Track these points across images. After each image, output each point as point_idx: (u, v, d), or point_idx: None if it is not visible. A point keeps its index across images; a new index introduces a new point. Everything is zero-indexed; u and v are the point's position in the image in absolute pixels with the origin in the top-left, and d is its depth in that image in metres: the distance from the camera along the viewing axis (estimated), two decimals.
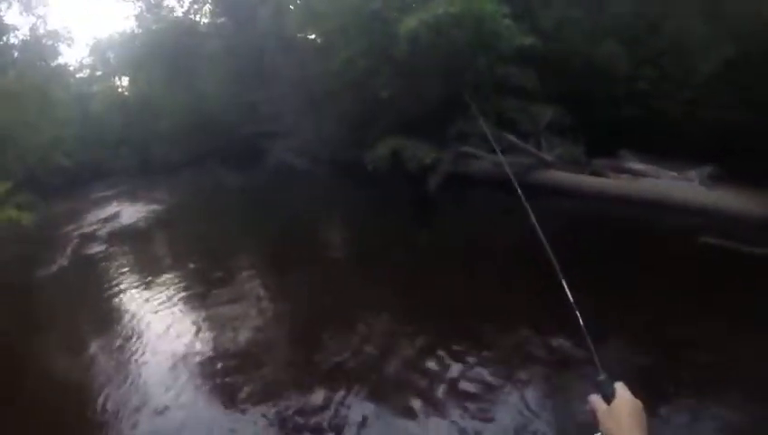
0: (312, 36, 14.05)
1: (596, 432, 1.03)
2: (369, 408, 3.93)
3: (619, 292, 5.31)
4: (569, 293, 1.22)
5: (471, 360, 4.40)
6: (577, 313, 1.19)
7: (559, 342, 4.44)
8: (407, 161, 10.11)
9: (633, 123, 10.56)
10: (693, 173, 9.33)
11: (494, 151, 10.25)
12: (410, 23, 9.50)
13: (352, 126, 11.90)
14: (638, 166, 9.92)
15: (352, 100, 11.67)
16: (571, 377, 4.07)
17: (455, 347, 4.58)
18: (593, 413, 1.04)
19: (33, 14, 22.09)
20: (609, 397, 1.04)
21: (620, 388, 1.05)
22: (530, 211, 1.36)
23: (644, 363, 4.17)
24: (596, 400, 1.05)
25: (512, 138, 9.66)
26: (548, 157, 9.72)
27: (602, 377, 1.08)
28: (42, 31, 22.49)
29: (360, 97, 11.34)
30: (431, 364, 4.39)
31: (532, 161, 9.80)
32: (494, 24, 9.72)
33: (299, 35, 14.40)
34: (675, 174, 9.54)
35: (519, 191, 1.40)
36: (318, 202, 11.94)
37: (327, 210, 11.42)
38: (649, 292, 5.30)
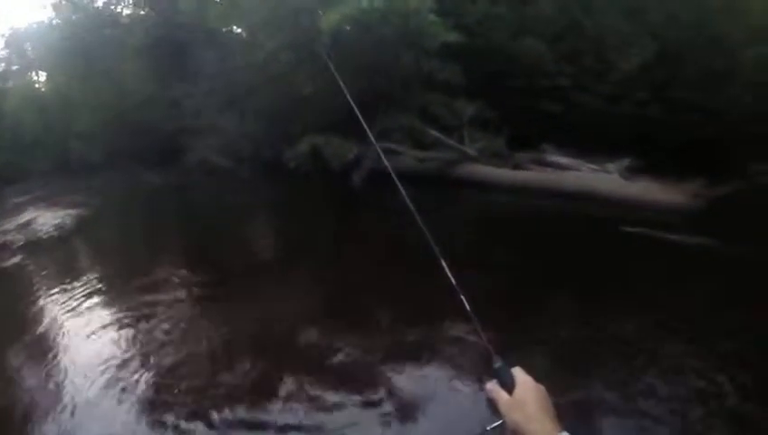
0: (236, 30, 13.37)
1: (496, 422, 0.94)
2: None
3: (533, 282, 5.36)
4: (450, 276, 1.10)
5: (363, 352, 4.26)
6: (462, 297, 1.08)
7: (452, 330, 4.32)
8: (329, 158, 9.74)
9: (554, 118, 10.81)
10: (612, 166, 9.61)
11: (418, 147, 10.28)
12: (333, 17, 9.15)
13: (275, 123, 11.37)
14: (559, 159, 10.09)
15: (275, 96, 11.14)
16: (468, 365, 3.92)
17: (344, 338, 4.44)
18: (494, 403, 0.94)
19: None
20: (508, 385, 0.94)
21: (520, 373, 0.96)
22: (412, 208, 1.22)
23: (548, 350, 4.10)
24: (495, 389, 0.95)
25: (434, 132, 9.50)
26: (471, 151, 9.61)
27: (498, 364, 0.98)
28: None
29: (283, 93, 10.85)
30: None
31: (455, 156, 9.67)
32: (419, 20, 9.50)
33: (222, 29, 13.68)
34: (595, 167, 9.77)
35: (399, 186, 1.30)
36: (240, 201, 11.33)
37: (249, 209, 10.86)
38: (568, 280, 5.34)
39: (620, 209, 8.02)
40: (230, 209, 10.84)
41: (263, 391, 3.88)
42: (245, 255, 7.98)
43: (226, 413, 3.66)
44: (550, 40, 11.40)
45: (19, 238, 10.50)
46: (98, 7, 19.67)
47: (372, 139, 1.50)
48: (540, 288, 5.29)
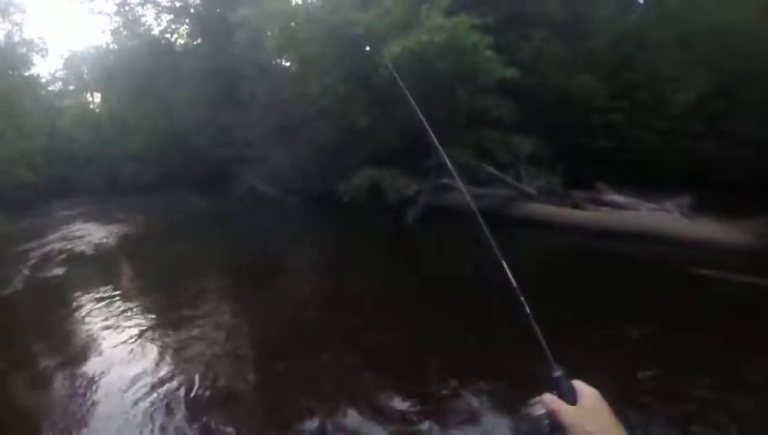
0: (288, 63, 13.47)
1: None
2: None
3: (601, 322, 5.12)
4: (527, 307, 1.02)
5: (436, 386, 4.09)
6: (522, 299, 1.02)
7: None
8: (387, 193, 9.54)
9: (608, 154, 10.47)
10: (669, 204, 9.26)
11: (472, 183, 10.03)
12: (394, 48, 9.09)
13: (326, 155, 11.31)
14: (616, 198, 9.74)
15: (327, 128, 11.09)
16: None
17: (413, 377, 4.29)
18: (554, 415, 0.87)
19: (10, 21, 20.87)
20: (568, 396, 0.88)
21: (581, 384, 0.91)
22: (492, 241, 1.11)
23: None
24: (555, 400, 0.88)
25: (491, 169, 9.22)
26: (529, 189, 9.29)
27: (558, 373, 0.91)
28: (17, 39, 21.15)
29: (335, 125, 10.79)
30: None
31: (512, 193, 9.36)
32: (474, 56, 9.34)
33: (275, 61, 13.82)
34: (654, 206, 9.41)
35: (481, 222, 1.14)
36: (288, 233, 11.21)
37: (297, 241, 10.70)
38: (645, 322, 5.08)
39: (683, 250, 7.68)
40: (276, 241, 10.72)
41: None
42: (296, 285, 7.82)
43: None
44: (604, 75, 11.10)
45: (63, 251, 10.60)
46: (154, 35, 20.36)
47: (451, 169, 1.30)
48: (610, 328, 5.03)
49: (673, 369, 4.16)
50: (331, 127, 10.89)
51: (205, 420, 3.77)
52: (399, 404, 3.86)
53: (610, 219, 8.89)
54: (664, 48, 10.94)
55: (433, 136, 1.30)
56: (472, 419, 3.66)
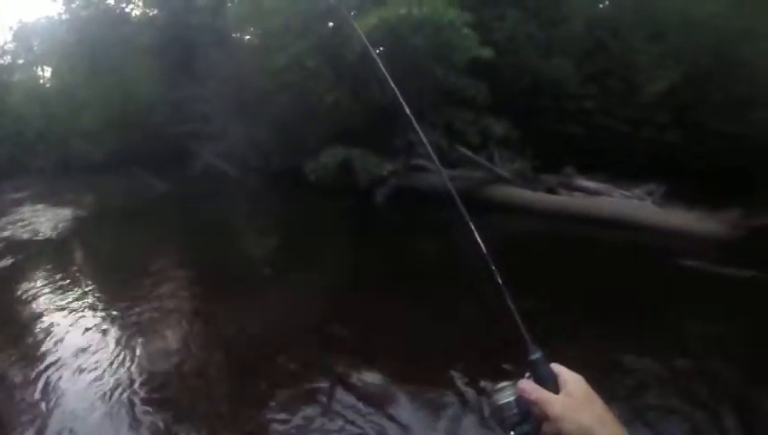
0: (248, 36, 12.55)
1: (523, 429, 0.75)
2: None
3: (581, 308, 4.89)
4: (498, 277, 0.87)
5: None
6: (499, 280, 0.86)
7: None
8: (358, 173, 8.89)
9: (577, 140, 10.26)
10: (639, 191, 9.05)
11: (443, 165, 9.45)
12: (371, 19, 8.47)
13: (289, 132, 10.51)
14: (587, 183, 9.44)
15: (290, 104, 10.29)
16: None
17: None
18: (533, 404, 0.73)
19: None
20: (548, 382, 0.75)
21: (561, 368, 0.77)
22: (473, 228, 0.93)
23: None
24: (534, 388, 0.75)
25: (465, 151, 8.70)
26: (503, 172, 8.82)
27: (537, 355, 0.78)
28: None
29: (300, 101, 10.01)
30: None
31: (485, 176, 8.87)
32: (452, 33, 8.78)
33: (235, 33, 12.88)
34: (626, 193, 9.17)
35: (461, 207, 0.96)
36: (248, 213, 10.45)
37: (257, 222, 9.95)
38: (619, 310, 4.86)
39: (659, 238, 7.53)
40: (236, 222, 9.97)
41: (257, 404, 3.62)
42: (247, 265, 7.23)
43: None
44: (576, 61, 10.81)
45: (12, 238, 9.87)
46: (109, 4, 18.93)
47: (429, 149, 1.15)
48: (595, 318, 4.77)
49: (658, 358, 3.87)
50: (295, 103, 10.11)
51: (155, 415, 3.53)
52: (366, 390, 3.65)
53: (587, 205, 8.55)
54: (637, 37, 10.78)
55: (410, 114, 1.15)
56: (441, 407, 3.43)
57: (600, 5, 12.71)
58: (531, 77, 10.54)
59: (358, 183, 9.04)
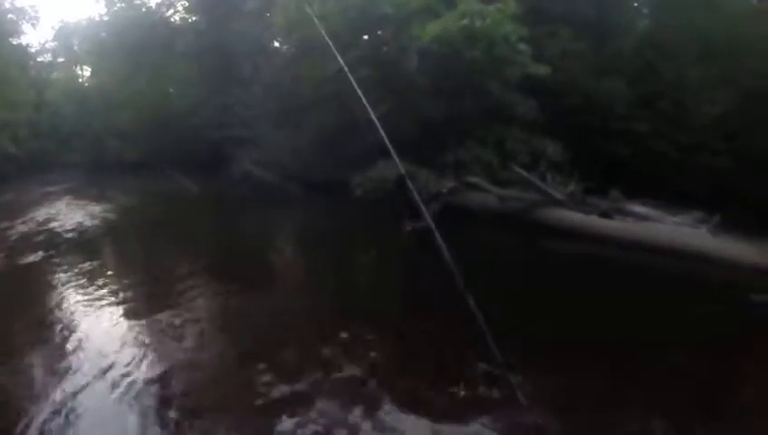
0: (289, 44, 11.97)
1: None
2: None
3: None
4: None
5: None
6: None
7: None
8: (422, 189, 8.23)
9: (625, 162, 9.56)
10: (690, 218, 8.31)
11: (494, 184, 8.88)
12: (433, 27, 7.85)
13: (331, 142, 9.91)
14: (638, 208, 8.70)
15: (334, 113, 9.69)
16: None
17: None
18: None
19: None
20: None
21: None
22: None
23: None
24: None
25: (520, 171, 8.04)
26: (557, 193, 8.14)
27: None
28: (7, 5, 19.08)
29: (345, 111, 9.40)
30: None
31: (538, 197, 8.20)
32: (507, 48, 8.14)
33: (279, 39, 12.36)
34: (678, 219, 8.46)
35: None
36: (288, 224, 9.85)
37: (296, 235, 9.35)
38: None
39: (717, 269, 6.80)
40: (274, 232, 9.39)
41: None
42: (294, 288, 6.61)
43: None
44: (628, 81, 10.12)
45: (41, 232, 9.48)
46: (150, 7, 18.64)
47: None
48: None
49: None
50: (339, 112, 9.52)
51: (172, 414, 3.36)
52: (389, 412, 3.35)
53: (646, 232, 7.84)
54: (686, 58, 10.10)
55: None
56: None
57: (647, 22, 12.01)
58: (580, 96, 9.90)
59: (400, 200, 8.40)
